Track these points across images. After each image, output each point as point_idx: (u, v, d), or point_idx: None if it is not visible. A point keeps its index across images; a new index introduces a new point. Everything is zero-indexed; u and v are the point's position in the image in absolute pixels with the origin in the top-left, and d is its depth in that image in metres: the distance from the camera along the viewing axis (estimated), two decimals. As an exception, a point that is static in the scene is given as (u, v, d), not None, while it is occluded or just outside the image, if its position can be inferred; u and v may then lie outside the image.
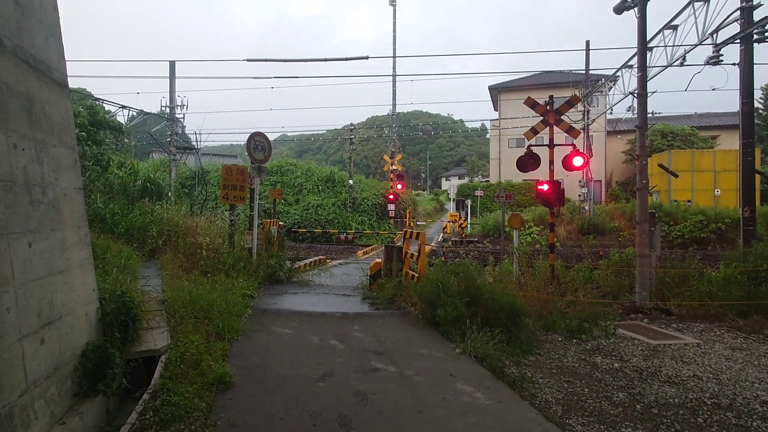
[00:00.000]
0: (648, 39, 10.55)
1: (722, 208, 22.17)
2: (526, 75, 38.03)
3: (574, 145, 9.29)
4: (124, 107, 20.58)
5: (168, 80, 22.16)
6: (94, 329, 3.94)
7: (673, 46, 13.14)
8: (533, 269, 8.95)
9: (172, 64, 22.36)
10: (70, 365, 3.45)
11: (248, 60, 22.62)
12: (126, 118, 20.97)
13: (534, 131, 9.28)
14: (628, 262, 9.53)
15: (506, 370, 4.83)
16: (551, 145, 9.15)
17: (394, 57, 31.28)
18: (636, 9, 8.96)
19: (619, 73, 19.08)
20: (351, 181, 29.44)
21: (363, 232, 26.78)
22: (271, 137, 10.74)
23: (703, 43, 11.92)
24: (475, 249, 20.78)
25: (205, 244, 8.88)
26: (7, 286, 2.74)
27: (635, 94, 9.44)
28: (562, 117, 9.21)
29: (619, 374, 4.92)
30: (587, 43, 23.68)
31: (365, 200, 29.40)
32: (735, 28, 10.69)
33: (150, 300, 5.60)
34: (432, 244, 21.67)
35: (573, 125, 9.56)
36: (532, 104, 9.29)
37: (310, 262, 14.04)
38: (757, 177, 15.67)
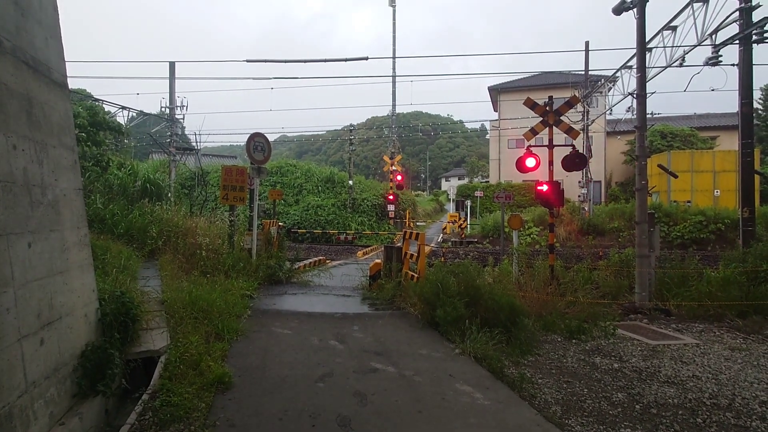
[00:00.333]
0: (647, 40, 10.55)
1: (722, 209, 22.17)
2: (525, 76, 38.06)
3: (573, 146, 9.29)
4: (123, 108, 20.55)
5: (168, 81, 22.17)
6: (93, 330, 3.94)
7: (673, 46, 13.14)
8: (533, 270, 8.95)
9: (172, 64, 22.36)
10: (69, 366, 3.45)
11: (248, 61, 22.63)
12: (126, 119, 20.96)
13: (533, 132, 9.28)
14: (627, 262, 9.53)
15: (506, 370, 4.83)
16: (551, 146, 9.15)
17: (394, 58, 31.33)
18: (635, 10, 8.97)
19: (618, 74, 19.08)
20: (351, 182, 29.44)
21: (363, 233, 26.77)
22: (271, 138, 10.74)
23: (702, 43, 11.92)
24: (474, 249, 20.78)
25: (204, 245, 8.88)
26: (6, 287, 2.74)
27: (634, 95, 9.45)
28: (561, 118, 9.21)
29: (619, 374, 4.92)
30: (587, 43, 23.76)
31: (365, 201, 29.40)
32: (734, 29, 10.71)
33: (149, 300, 5.61)
34: (431, 245, 21.67)
35: (572, 126, 9.55)
36: (531, 105, 9.30)
37: (310, 263, 14.03)
38: (757, 177, 15.69)
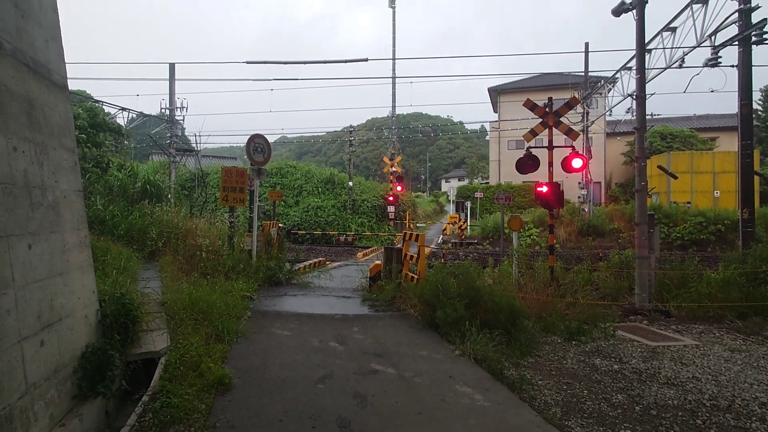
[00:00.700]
0: (647, 41, 10.56)
1: (721, 210, 22.19)
2: (525, 77, 38.10)
3: (573, 147, 9.31)
4: (123, 109, 20.58)
5: (168, 82, 22.19)
6: (93, 331, 3.94)
7: (672, 48, 13.15)
8: (533, 271, 8.95)
9: (172, 66, 22.38)
10: (69, 367, 3.45)
11: (248, 62, 22.66)
12: (126, 120, 20.97)
13: (533, 133, 9.30)
14: (627, 263, 9.53)
15: (505, 371, 4.84)
16: (550, 147, 9.16)
17: (394, 59, 31.39)
18: (634, 11, 8.99)
19: (618, 75, 19.09)
20: (351, 183, 29.45)
21: (363, 234, 26.78)
22: (271, 139, 10.74)
23: (702, 45, 11.93)
24: (474, 251, 20.78)
25: (204, 246, 8.88)
26: (6, 288, 2.74)
27: (634, 96, 9.46)
28: (561, 119, 9.22)
29: (619, 376, 4.92)
30: (586, 45, 23.76)
31: (365, 202, 29.41)
32: (733, 30, 10.71)
33: (149, 302, 5.60)
34: (431, 246, 21.67)
35: (572, 127, 9.57)
36: (531, 106, 9.31)
37: (310, 264, 14.03)
38: (756, 178, 15.69)
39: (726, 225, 20.72)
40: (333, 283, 9.98)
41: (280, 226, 13.36)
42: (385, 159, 30.73)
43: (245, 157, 10.43)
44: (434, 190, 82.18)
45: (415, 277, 7.66)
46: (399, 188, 28.84)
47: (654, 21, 10.80)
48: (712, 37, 11.49)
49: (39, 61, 3.43)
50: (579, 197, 25.06)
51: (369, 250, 22.33)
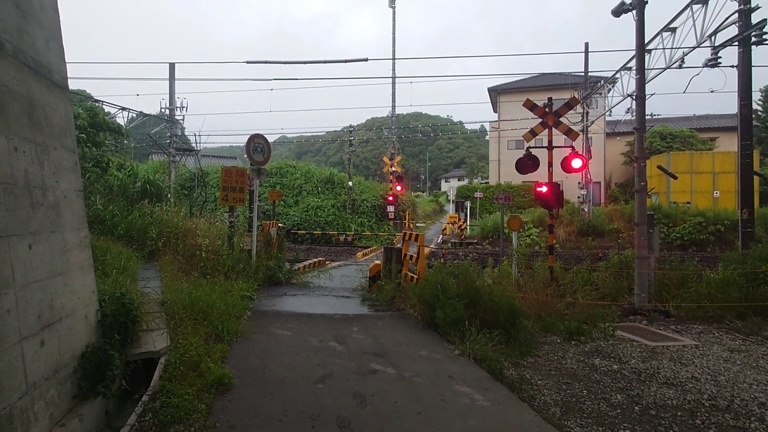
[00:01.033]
0: (646, 41, 10.56)
1: (721, 210, 22.20)
2: (525, 77, 38.11)
3: (572, 147, 9.32)
4: (123, 109, 20.57)
5: (168, 82, 22.19)
6: (93, 331, 3.94)
7: (672, 48, 13.16)
8: (532, 271, 8.96)
9: (172, 66, 22.39)
10: (69, 367, 3.45)
11: (248, 62, 22.65)
12: (125, 120, 20.97)
13: (533, 133, 9.31)
14: (626, 263, 9.55)
15: (505, 371, 4.84)
16: (550, 147, 9.16)
17: (394, 59, 31.40)
18: (634, 12, 8.99)
19: (618, 75, 19.11)
20: (350, 183, 29.45)
21: (362, 234, 26.78)
22: (271, 139, 10.75)
23: (702, 45, 11.94)
24: (474, 251, 20.79)
25: (204, 246, 8.88)
26: (7, 288, 2.75)
27: (634, 96, 9.47)
28: (560, 119, 9.23)
29: (618, 376, 4.93)
30: (586, 45, 23.78)
31: (365, 202, 29.41)
32: (733, 31, 10.73)
33: (149, 302, 5.60)
34: (431, 246, 21.68)
35: (572, 127, 9.58)
36: (531, 106, 9.32)
37: (310, 264, 14.04)
38: (756, 179, 15.69)
39: (725, 225, 20.73)
40: (333, 283, 9.99)
41: (279, 226, 13.37)
42: (385, 159, 30.75)
43: (245, 156, 10.44)
44: (434, 189, 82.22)
45: (415, 276, 7.66)
46: (399, 188, 28.86)
47: (654, 21, 10.81)
48: (712, 38, 11.50)
49: (40, 61, 3.44)
50: (579, 197, 25.08)
51: (369, 249, 22.34)
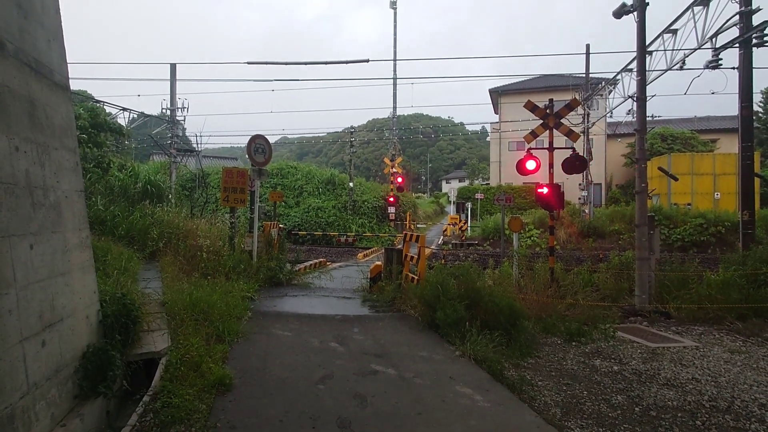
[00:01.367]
0: (647, 43, 10.57)
1: (722, 212, 22.17)
2: (526, 78, 38.12)
3: (573, 149, 9.32)
4: (124, 109, 20.64)
5: (169, 83, 22.23)
6: (94, 331, 3.95)
7: (673, 50, 13.15)
8: (533, 272, 8.96)
9: (173, 66, 22.44)
10: (70, 367, 3.46)
11: (249, 63, 22.74)
12: (127, 121, 21.04)
13: (534, 134, 9.31)
14: (627, 265, 9.55)
15: (505, 372, 4.84)
16: (551, 149, 9.17)
17: (395, 60, 31.41)
18: (635, 13, 9.00)
19: (619, 77, 19.08)
20: (351, 184, 29.46)
21: (363, 235, 26.78)
22: (272, 139, 10.75)
23: (703, 47, 11.93)
24: (475, 252, 20.79)
25: (205, 247, 8.89)
26: (8, 288, 2.75)
27: (635, 98, 9.47)
28: (561, 120, 9.24)
29: (618, 377, 4.93)
30: (587, 46, 23.77)
31: (365, 203, 29.42)
32: (734, 33, 10.72)
33: (150, 302, 5.61)
34: (432, 247, 21.68)
35: (573, 128, 9.58)
36: (531, 107, 9.33)
37: (310, 265, 14.06)
38: (757, 180, 15.68)
39: (726, 227, 20.70)
40: (333, 284, 10.00)
41: (280, 227, 13.38)
42: (386, 160, 30.74)
43: (246, 157, 10.44)
44: (435, 191, 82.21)
45: (416, 278, 7.66)
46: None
47: (655, 23, 10.82)
48: (713, 40, 11.50)
49: (41, 61, 3.45)
50: (579, 199, 25.07)
51: (369, 251, 22.35)
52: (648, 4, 8.94)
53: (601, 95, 23.24)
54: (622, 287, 9.13)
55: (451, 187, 41.77)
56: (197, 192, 25.41)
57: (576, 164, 8.94)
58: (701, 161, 26.92)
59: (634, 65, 14.50)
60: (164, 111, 22.76)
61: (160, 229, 9.94)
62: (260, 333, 5.88)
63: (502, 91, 37.57)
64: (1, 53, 2.91)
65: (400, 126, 38.78)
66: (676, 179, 18.58)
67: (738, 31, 10.56)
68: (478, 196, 31.38)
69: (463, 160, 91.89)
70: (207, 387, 4.01)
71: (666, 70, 13.61)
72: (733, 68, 11.01)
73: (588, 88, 23.22)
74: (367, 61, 23.72)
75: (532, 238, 22.42)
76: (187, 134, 26.71)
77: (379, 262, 9.55)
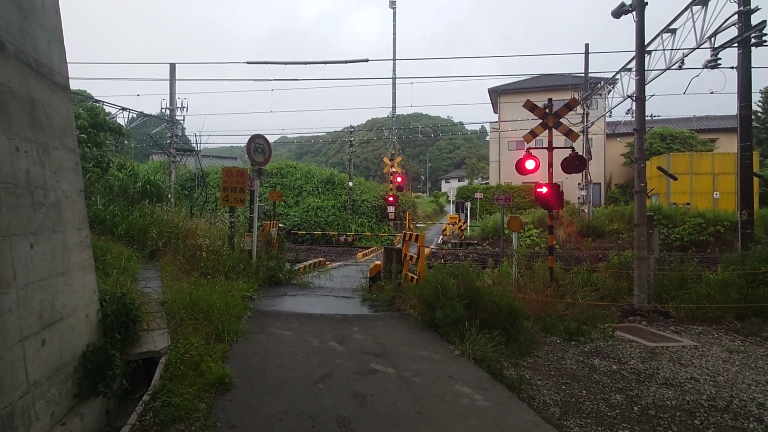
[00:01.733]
0: (646, 42, 10.58)
1: (721, 211, 22.21)
2: (525, 78, 38.13)
3: (573, 148, 9.33)
4: (124, 109, 20.59)
5: (168, 82, 22.21)
6: (94, 330, 3.96)
7: (672, 49, 13.16)
8: (532, 271, 8.97)
9: (173, 66, 22.41)
10: (70, 366, 3.47)
11: (248, 62, 22.70)
12: (126, 120, 20.99)
13: (533, 134, 9.32)
14: (626, 264, 9.55)
15: (505, 371, 4.85)
16: (550, 148, 9.17)
17: (394, 60, 31.40)
18: (634, 13, 9.01)
19: (618, 76, 19.11)
20: (351, 183, 29.47)
21: (362, 234, 26.79)
22: (271, 139, 10.76)
23: (702, 46, 11.94)
24: (474, 251, 20.80)
25: (205, 246, 8.89)
26: (8, 288, 2.76)
27: (634, 97, 9.48)
28: (561, 120, 9.24)
29: (617, 376, 4.94)
30: (586, 46, 23.82)
31: (365, 202, 29.43)
32: (733, 32, 10.74)
33: (150, 302, 5.62)
34: (431, 247, 21.70)
35: (572, 128, 9.59)
36: (531, 107, 9.33)
37: (310, 264, 14.05)
38: (756, 180, 15.70)
39: (725, 226, 20.73)
40: (333, 284, 10.01)
41: (280, 227, 13.38)
42: (385, 159, 30.74)
43: (245, 157, 10.45)
44: (434, 190, 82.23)
45: (415, 277, 7.67)
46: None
47: (654, 22, 10.82)
48: (712, 39, 11.51)
49: (41, 61, 3.45)
50: (579, 198, 25.09)
51: (369, 250, 22.36)
52: (647, 3, 8.95)
53: (601, 95, 23.26)
54: (621, 287, 9.14)
55: (450, 187, 41.70)
56: (197, 191, 25.40)
57: (575, 164, 8.93)
58: (700, 161, 26.95)
59: (633, 65, 14.48)
60: (164, 110, 22.74)
61: (160, 229, 9.94)
62: (260, 332, 5.89)
63: (502, 90, 37.58)
64: (2, 53, 2.92)
65: (399, 125, 38.79)
66: (675, 179, 18.60)
67: (737, 30, 10.57)
68: (478, 195, 31.40)
69: (463, 159, 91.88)
70: (207, 386, 4.02)
71: (665, 70, 13.62)
72: (732, 68, 11.03)
73: (587, 87, 23.24)
74: (366, 60, 23.74)
75: (531, 238, 22.44)
76: (186, 134, 26.75)
77: (378, 262, 9.56)
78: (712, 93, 14.99)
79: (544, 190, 9.01)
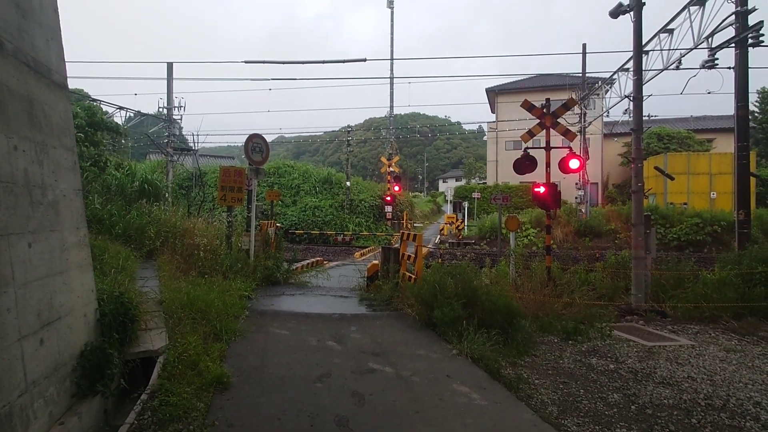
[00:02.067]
0: (644, 43, 10.63)
1: (718, 211, 22.27)
2: (523, 77, 38.17)
3: (570, 148, 9.35)
4: (121, 108, 20.53)
5: (165, 81, 22.15)
6: (92, 330, 3.95)
7: (669, 49, 13.21)
8: (530, 271, 8.99)
9: (170, 65, 22.34)
10: (68, 365, 3.46)
11: (246, 62, 22.64)
12: (123, 119, 20.96)
13: (531, 134, 9.33)
14: (623, 264, 9.59)
15: (502, 371, 4.87)
16: (548, 148, 9.19)
17: (392, 59, 31.43)
18: (632, 13, 9.03)
19: (615, 76, 19.18)
20: (348, 183, 29.44)
21: (360, 234, 26.77)
22: (269, 139, 10.78)
23: (699, 47, 11.99)
24: (471, 251, 20.82)
25: (202, 246, 8.88)
26: (7, 287, 2.75)
27: (631, 97, 9.51)
28: (558, 120, 9.27)
29: (615, 375, 4.96)
30: (584, 46, 23.85)
31: (362, 202, 29.40)
32: (730, 32, 10.78)
33: (148, 301, 5.61)
34: (429, 246, 21.71)
35: (569, 128, 9.61)
36: (528, 107, 9.35)
37: (308, 264, 14.03)
38: (753, 180, 15.76)
39: (722, 226, 20.80)
40: (330, 283, 10.01)
41: (277, 226, 13.37)
42: (383, 159, 30.74)
43: (243, 156, 10.44)
44: (432, 190, 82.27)
45: (413, 276, 7.68)
46: (396, 188, 28.87)
47: (651, 23, 10.84)
48: (709, 39, 11.55)
49: (39, 60, 3.44)
50: (576, 198, 25.12)
51: (366, 249, 22.33)
52: (644, 3, 8.98)
53: (598, 95, 23.31)
54: (619, 286, 9.17)
55: (448, 187, 41.70)
56: (194, 191, 25.35)
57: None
58: (697, 161, 27.01)
59: (630, 65, 14.54)
60: (161, 110, 22.67)
61: (157, 228, 9.91)
62: (258, 332, 5.89)
63: (499, 90, 37.59)
64: (0, 53, 2.91)
65: (397, 125, 38.83)
66: (672, 179, 18.64)
67: (734, 31, 10.62)
68: (475, 195, 31.43)
69: (460, 159, 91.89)
70: (205, 385, 4.02)
71: (662, 70, 13.67)
72: (729, 68, 11.08)
73: (585, 87, 23.28)
74: (364, 60, 23.69)
75: (528, 238, 22.46)
76: (184, 133, 26.60)
77: (376, 261, 9.56)
78: (709, 93, 15.08)
79: (542, 189, 9.03)
